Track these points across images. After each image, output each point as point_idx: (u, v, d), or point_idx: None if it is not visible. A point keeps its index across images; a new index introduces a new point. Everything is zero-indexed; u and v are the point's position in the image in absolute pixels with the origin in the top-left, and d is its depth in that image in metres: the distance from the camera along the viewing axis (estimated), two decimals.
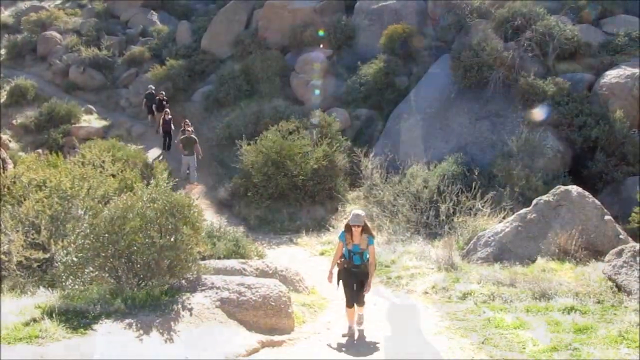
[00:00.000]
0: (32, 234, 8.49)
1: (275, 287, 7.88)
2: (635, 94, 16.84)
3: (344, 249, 8.08)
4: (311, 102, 21.92)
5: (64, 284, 7.14)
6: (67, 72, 27.98)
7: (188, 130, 19.87)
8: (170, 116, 22.11)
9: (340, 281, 8.15)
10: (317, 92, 22.21)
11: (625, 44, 18.63)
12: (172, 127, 22.03)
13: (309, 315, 8.71)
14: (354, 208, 8.80)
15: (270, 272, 9.31)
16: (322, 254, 13.40)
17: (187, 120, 21.21)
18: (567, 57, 18.98)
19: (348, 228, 8.04)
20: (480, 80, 18.26)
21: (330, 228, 15.34)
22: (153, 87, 24.36)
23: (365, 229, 8.01)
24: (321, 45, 23.94)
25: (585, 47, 19.02)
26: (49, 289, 7.35)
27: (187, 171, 19.63)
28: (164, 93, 23.81)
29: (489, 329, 7.35)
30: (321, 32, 24.11)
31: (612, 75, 17.40)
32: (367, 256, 8.00)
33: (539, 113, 17.03)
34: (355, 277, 8.05)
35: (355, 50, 23.70)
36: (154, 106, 23.74)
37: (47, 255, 8.33)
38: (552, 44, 18.47)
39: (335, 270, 8.20)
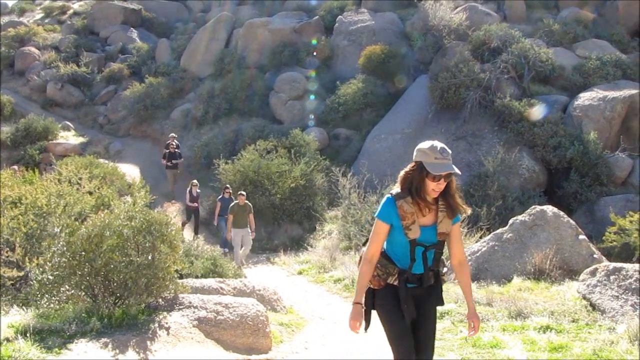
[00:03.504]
0: (7, 252, 8.37)
1: (253, 306, 7.81)
2: (607, 116, 17.21)
3: (392, 238, 4.05)
4: (290, 121, 22.04)
5: (38, 302, 7.03)
6: (45, 88, 27.85)
7: (242, 195, 14.81)
8: (199, 190, 17.37)
9: (383, 315, 4.04)
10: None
11: (597, 67, 19.07)
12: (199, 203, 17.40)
13: (287, 334, 8.65)
14: (427, 141, 4.03)
15: (248, 291, 9.26)
16: (299, 273, 13.37)
17: (227, 186, 16.48)
18: (542, 79, 19.40)
19: (416, 186, 3.90)
20: (457, 101, 18.53)
21: (308, 247, 15.31)
22: (175, 136, 21.09)
23: (450, 191, 4.00)
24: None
25: (559, 69, 19.45)
26: (23, 307, 7.24)
27: (242, 262, 14.23)
28: (177, 143, 20.77)
29: (465, 348, 7.38)
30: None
31: (585, 98, 17.77)
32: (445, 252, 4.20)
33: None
34: (415, 303, 4.01)
35: (334, 70, 23.94)
36: (170, 159, 20.13)
37: (22, 273, 8.19)
38: (527, 66, 18.85)
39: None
